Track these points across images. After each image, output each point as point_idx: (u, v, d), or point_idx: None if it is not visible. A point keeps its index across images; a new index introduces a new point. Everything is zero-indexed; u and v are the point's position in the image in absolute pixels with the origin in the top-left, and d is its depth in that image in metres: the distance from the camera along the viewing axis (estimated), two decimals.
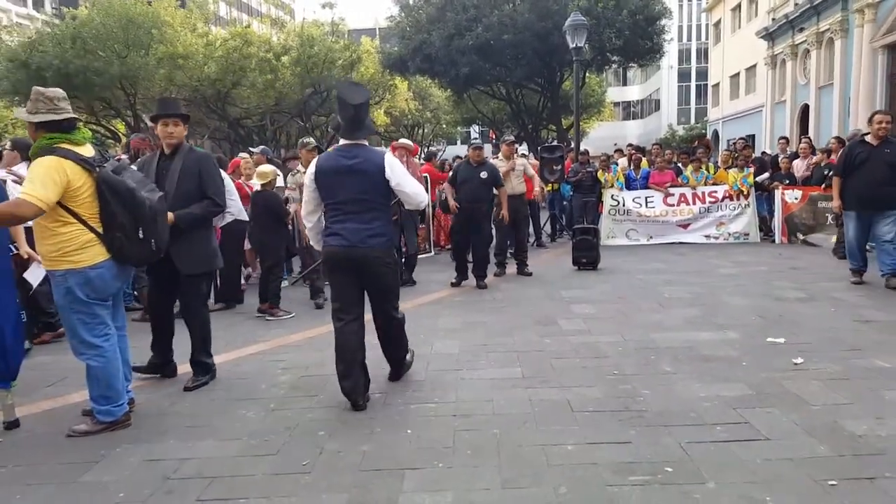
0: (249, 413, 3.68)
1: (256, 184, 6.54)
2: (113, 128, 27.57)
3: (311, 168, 3.92)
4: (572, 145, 14.10)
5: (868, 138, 6.64)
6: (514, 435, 3.21)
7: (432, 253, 10.62)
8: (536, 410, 3.53)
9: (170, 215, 3.87)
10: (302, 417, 3.57)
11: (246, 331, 5.73)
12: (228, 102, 26.88)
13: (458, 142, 48.93)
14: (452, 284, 7.51)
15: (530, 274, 8.20)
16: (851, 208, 6.69)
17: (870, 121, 6.69)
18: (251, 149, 9.56)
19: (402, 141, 8.76)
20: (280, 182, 7.45)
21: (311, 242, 4.23)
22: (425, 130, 42.12)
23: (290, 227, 6.93)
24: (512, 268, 8.49)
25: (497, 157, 8.80)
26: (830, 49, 21.70)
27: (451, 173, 7.87)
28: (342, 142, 3.84)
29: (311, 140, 6.73)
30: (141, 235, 3.40)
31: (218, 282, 6.75)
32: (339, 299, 3.82)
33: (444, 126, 42.10)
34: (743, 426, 3.20)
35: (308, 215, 4.03)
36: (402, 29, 25.46)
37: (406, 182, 3.82)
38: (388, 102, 33.94)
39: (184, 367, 4.34)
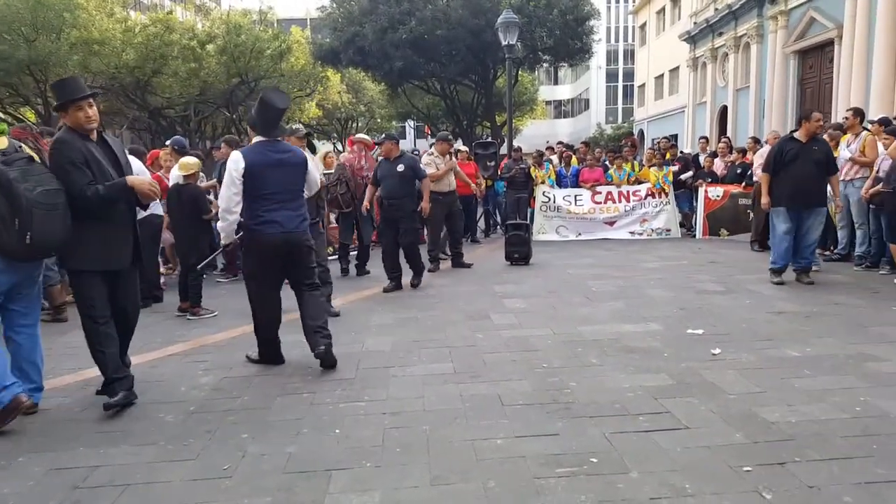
0: (167, 417, 3.52)
1: (178, 176, 6.26)
2: (22, 116, 25.95)
3: (241, 163, 4.10)
4: (505, 142, 14.26)
5: (798, 135, 6.65)
6: (444, 431, 3.19)
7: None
8: (467, 406, 3.53)
9: None
10: (223, 420, 3.44)
11: (165, 331, 5.50)
12: (149, 91, 25.63)
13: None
14: (385, 290, 6.94)
15: (469, 265, 8.30)
16: (781, 204, 6.64)
17: (808, 118, 6.63)
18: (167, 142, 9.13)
19: (360, 136, 8.68)
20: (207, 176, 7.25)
21: (224, 235, 4.25)
22: (359, 124, 41.67)
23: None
24: (446, 263, 8.51)
25: (431, 153, 8.79)
26: (747, 53, 22.75)
27: (372, 174, 7.60)
28: (259, 138, 4.25)
29: (301, 127, 6.23)
30: (17, 227, 3.23)
31: None
32: (265, 279, 4.32)
33: (379, 120, 41.78)
34: (664, 416, 3.29)
35: (235, 207, 4.14)
36: (333, 20, 25.08)
37: (315, 173, 4.66)
38: (320, 95, 33.34)
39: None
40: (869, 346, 4.35)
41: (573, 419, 3.29)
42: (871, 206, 7.15)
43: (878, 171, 7.04)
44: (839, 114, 15.97)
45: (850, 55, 15.84)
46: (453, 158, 9.04)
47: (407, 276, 7.21)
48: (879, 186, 6.80)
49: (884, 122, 7.89)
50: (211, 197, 6.96)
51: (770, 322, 5.16)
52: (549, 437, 3.09)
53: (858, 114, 8.02)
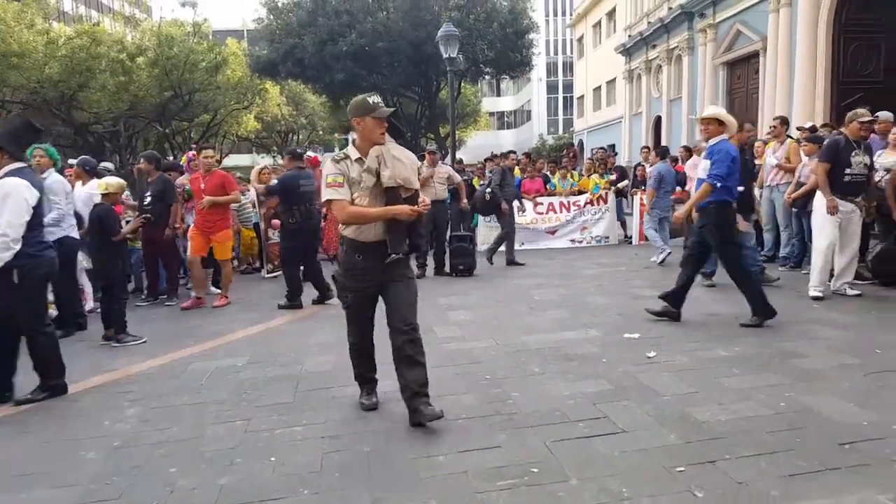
0: (89, 454, 3.32)
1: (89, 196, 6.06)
2: None
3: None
4: (449, 154, 14.36)
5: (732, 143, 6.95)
6: (385, 451, 3.16)
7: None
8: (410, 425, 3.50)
9: None
10: (151, 454, 3.28)
11: (88, 361, 5.17)
12: (74, 106, 24.59)
13: (336, 148, 48.30)
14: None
15: (450, 273, 8.70)
16: None
17: (740, 128, 6.74)
18: (70, 160, 8.69)
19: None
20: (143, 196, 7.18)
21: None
22: (300, 137, 41.23)
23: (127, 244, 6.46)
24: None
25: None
26: (679, 65, 23.56)
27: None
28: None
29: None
30: None
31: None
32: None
33: (321, 132, 41.42)
34: (603, 421, 3.36)
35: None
36: (271, 32, 24.75)
37: None
38: (259, 107, 32.85)
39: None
40: (791, 344, 4.56)
41: (515, 430, 3.31)
42: (793, 209, 7.50)
43: (799, 177, 7.39)
44: (766, 122, 16.73)
45: (774, 66, 16.58)
46: (446, 168, 9.36)
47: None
48: (801, 190, 7.14)
49: (811, 131, 8.30)
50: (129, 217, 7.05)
51: (702, 324, 5.34)
52: (492, 449, 3.10)
53: (784, 122, 8.42)
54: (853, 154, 5.90)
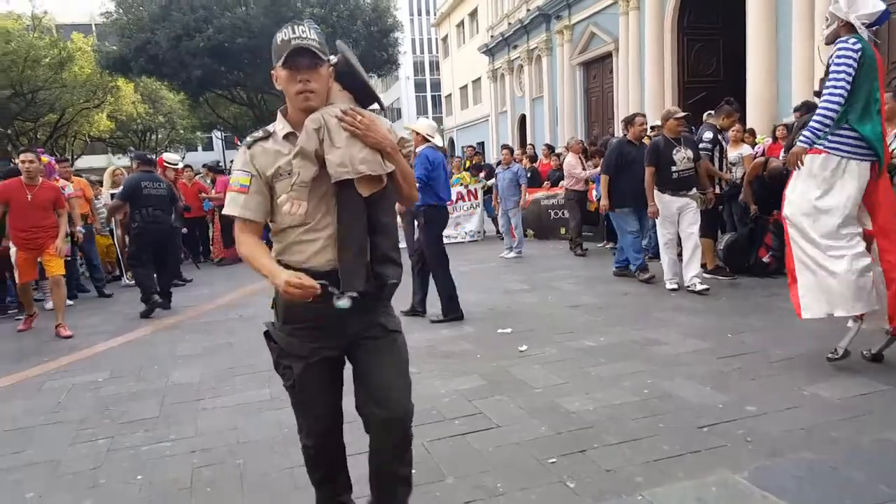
0: None
1: None
2: None
3: None
4: None
5: (631, 138, 7.20)
6: (260, 463, 3.06)
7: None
8: (286, 432, 3.39)
9: None
10: (4, 480, 3.03)
11: None
12: None
13: (200, 148, 45.98)
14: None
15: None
16: (627, 205, 7.03)
17: (632, 122, 7.25)
18: None
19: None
20: None
21: None
22: (159, 136, 38.80)
23: None
24: None
25: None
26: (539, 65, 24.64)
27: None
28: None
29: None
30: None
31: None
32: None
33: (182, 131, 39.20)
34: (478, 417, 3.43)
35: None
36: (121, 26, 23.11)
37: None
38: (112, 105, 30.53)
39: None
40: (651, 331, 4.90)
41: None
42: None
43: None
44: (620, 120, 17.90)
45: (626, 67, 17.76)
46: None
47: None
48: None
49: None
50: None
51: (569, 316, 5.62)
52: (364, 454, 3.07)
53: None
54: (674, 151, 6.22)
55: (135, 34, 22.03)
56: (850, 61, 3.63)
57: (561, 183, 10.50)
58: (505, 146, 10.96)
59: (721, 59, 16.01)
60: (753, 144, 8.82)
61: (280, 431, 3.41)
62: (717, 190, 6.94)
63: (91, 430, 3.60)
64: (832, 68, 3.70)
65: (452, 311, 5.72)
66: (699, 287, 6.08)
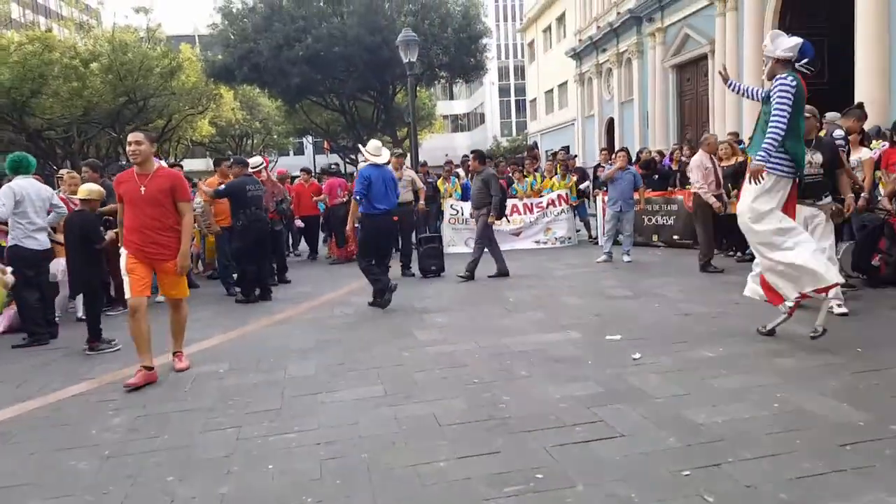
0: (81, 464, 3.21)
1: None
2: None
3: None
4: (408, 157, 14.32)
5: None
6: (383, 457, 3.10)
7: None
8: (404, 428, 3.45)
9: None
10: (145, 462, 3.19)
11: (62, 370, 5.05)
12: (27, 113, 23.92)
13: (291, 152, 47.76)
14: None
15: (413, 275, 8.79)
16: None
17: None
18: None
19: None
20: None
21: None
22: (254, 141, 40.57)
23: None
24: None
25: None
26: (629, 68, 24.10)
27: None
28: None
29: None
30: None
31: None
32: None
33: (276, 137, 40.86)
34: (599, 424, 3.35)
35: None
36: (225, 37, 24.39)
37: None
38: (213, 112, 32.24)
39: None
40: (774, 343, 4.65)
41: (512, 435, 3.29)
42: None
43: None
44: (716, 123, 17.24)
45: None
46: (409, 172, 9.41)
47: None
48: None
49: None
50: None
51: (681, 324, 5.42)
52: (492, 455, 3.07)
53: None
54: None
55: (238, 44, 23.15)
56: (789, 96, 4.39)
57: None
58: (623, 148, 10.81)
59: (826, 59, 15.13)
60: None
61: (399, 427, 3.46)
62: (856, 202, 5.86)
63: (219, 419, 3.75)
64: (775, 101, 4.42)
65: (379, 297, 6.65)
66: (837, 311, 5.30)
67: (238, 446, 3.35)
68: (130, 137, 4.66)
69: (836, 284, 4.62)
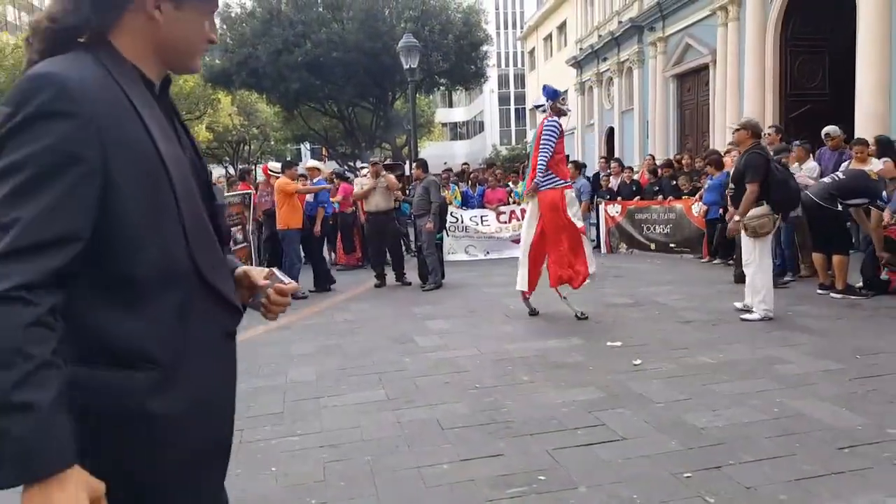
0: None
1: None
2: None
3: None
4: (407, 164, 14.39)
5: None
6: (387, 460, 3.12)
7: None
8: (406, 432, 3.47)
9: None
10: None
11: None
12: None
13: (289, 158, 47.78)
14: None
15: (409, 283, 8.77)
16: None
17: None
18: None
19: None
20: None
21: None
22: (252, 147, 40.60)
23: None
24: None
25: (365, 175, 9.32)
26: (630, 77, 24.19)
27: None
28: None
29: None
30: None
31: None
32: None
33: (273, 143, 40.89)
34: (600, 428, 3.38)
35: None
36: (223, 42, 24.39)
37: None
38: (210, 118, 32.28)
39: None
40: (773, 350, 4.68)
41: (514, 438, 3.31)
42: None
43: None
44: (716, 133, 17.32)
45: (724, 79, 17.15)
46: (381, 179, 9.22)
47: None
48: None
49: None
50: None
51: (681, 331, 5.45)
52: (495, 457, 3.09)
53: (779, 131, 8.57)
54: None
55: (237, 49, 23.16)
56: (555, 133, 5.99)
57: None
58: (603, 158, 10.87)
59: (826, 71, 15.23)
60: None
61: (401, 431, 3.48)
62: None
63: None
64: (543, 135, 5.96)
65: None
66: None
67: (241, 449, 3.33)
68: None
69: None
